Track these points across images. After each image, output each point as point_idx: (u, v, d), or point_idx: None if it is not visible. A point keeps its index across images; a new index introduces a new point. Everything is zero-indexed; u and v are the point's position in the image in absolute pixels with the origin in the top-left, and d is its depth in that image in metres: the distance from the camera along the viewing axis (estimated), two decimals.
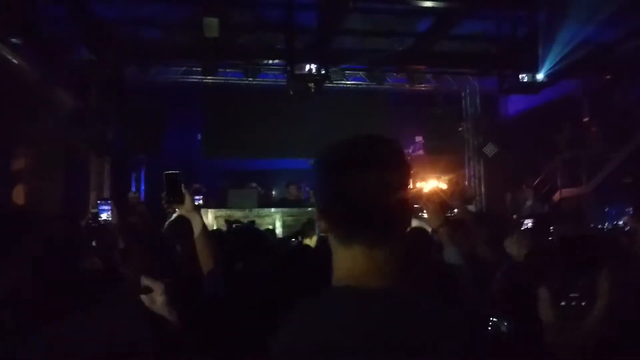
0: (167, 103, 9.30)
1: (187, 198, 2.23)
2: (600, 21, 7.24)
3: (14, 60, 5.67)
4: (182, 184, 2.24)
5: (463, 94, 10.54)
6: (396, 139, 0.97)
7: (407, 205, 0.93)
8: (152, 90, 8.98)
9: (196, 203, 2.33)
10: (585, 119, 9.63)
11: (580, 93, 9.57)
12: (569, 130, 9.36)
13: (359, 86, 9.65)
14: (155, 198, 7.82)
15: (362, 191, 0.89)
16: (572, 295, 0.83)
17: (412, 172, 0.94)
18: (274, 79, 8.99)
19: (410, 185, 0.95)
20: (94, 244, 4.19)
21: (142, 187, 10.17)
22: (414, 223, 4.73)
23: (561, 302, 0.82)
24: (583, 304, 0.81)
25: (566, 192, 9.26)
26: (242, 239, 2.94)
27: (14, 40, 5.60)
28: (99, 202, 6.85)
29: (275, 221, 7.80)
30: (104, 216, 6.40)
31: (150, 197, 9.05)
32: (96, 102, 8.43)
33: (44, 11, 6.16)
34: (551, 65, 7.38)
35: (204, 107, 10.11)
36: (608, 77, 8.82)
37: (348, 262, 0.92)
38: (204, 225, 2.27)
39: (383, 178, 0.90)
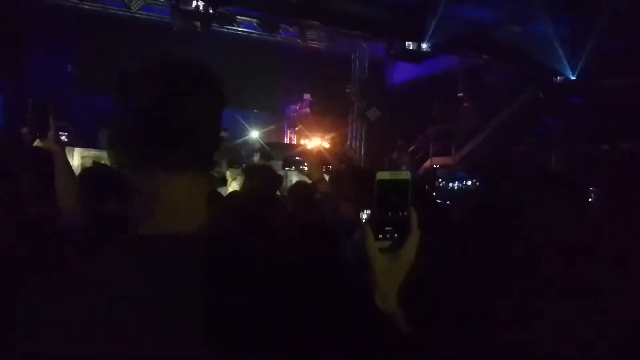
0: (37, 25, 8.25)
1: (52, 131, 2.02)
2: (484, 3, 7.69)
3: None
4: (51, 116, 2.03)
5: (353, 57, 10.69)
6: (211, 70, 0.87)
7: (216, 141, 0.85)
8: (19, 7, 7.88)
9: (61, 139, 2.13)
10: (460, 94, 10.31)
11: (458, 69, 10.19)
12: (444, 103, 9.98)
13: (251, 35, 9.34)
14: (15, 130, 7.04)
15: (165, 110, 0.79)
16: (387, 228, 0.82)
17: (222, 100, 0.85)
18: (159, 15, 8.35)
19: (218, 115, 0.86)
20: None
21: (0, 119, 9.06)
22: (296, 177, 4.77)
23: (379, 235, 0.82)
24: (396, 235, 0.82)
25: (437, 160, 9.93)
26: (100, 179, 2.72)
27: None
28: None
29: None
30: None
31: (10, 128, 8.09)
32: None
33: None
34: (436, 37, 7.72)
35: (78, 36, 9.13)
36: (484, 57, 9.45)
37: (148, 195, 0.80)
38: (67, 163, 2.09)
39: (196, 102, 0.80)
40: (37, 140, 2.25)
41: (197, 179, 0.83)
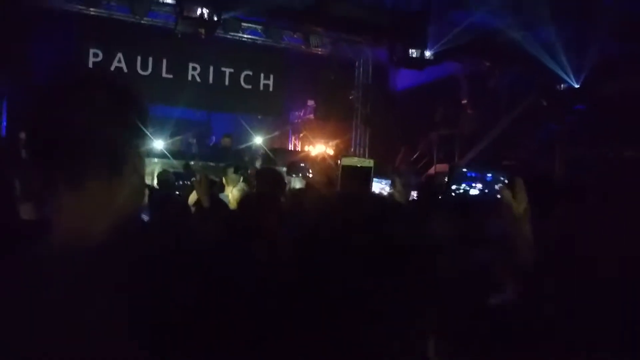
0: (43, 28, 8.29)
1: None
2: (486, 9, 7.71)
3: None
4: None
5: (357, 63, 10.72)
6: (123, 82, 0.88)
7: (120, 143, 0.84)
8: (25, 9, 7.94)
9: None
10: (463, 100, 10.32)
11: (461, 75, 10.21)
12: (447, 108, 9.99)
13: (255, 41, 9.38)
14: (17, 134, 7.06)
15: (65, 120, 0.79)
16: None
17: (121, 107, 0.84)
18: (164, 20, 8.40)
19: (136, 137, 0.85)
20: None
21: (4, 122, 9.11)
22: (298, 184, 4.80)
23: None
24: None
25: (440, 166, 9.92)
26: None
27: None
28: None
29: (154, 172, 7.46)
30: None
31: (13, 132, 8.13)
32: None
33: None
34: (438, 44, 7.74)
35: (83, 41, 9.19)
36: (487, 63, 9.46)
37: (56, 206, 0.81)
38: None
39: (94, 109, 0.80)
40: None
41: (101, 188, 0.81)
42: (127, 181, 0.84)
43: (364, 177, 0.90)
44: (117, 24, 8.53)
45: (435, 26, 7.55)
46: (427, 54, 7.77)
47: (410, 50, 7.65)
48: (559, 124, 9.69)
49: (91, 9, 8.23)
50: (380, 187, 4.95)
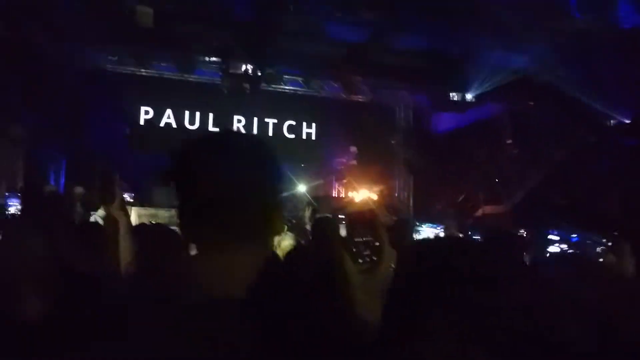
0: (96, 91, 8.82)
1: (118, 197, 2.19)
2: (526, 49, 7.67)
3: None
4: (116, 183, 2.20)
5: (397, 108, 10.79)
6: (263, 138, 0.93)
7: (271, 210, 0.85)
8: (80, 76, 8.48)
9: (126, 200, 2.29)
10: (508, 140, 10.14)
11: (504, 115, 10.08)
12: (492, 149, 9.83)
13: (297, 92, 9.64)
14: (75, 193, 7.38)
15: (215, 190, 0.80)
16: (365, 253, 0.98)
17: (280, 175, 0.87)
18: (209, 77, 8.78)
19: (280, 187, 0.88)
20: None
21: (62, 180, 9.57)
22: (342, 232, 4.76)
23: (358, 259, 1.00)
24: (374, 258, 0.99)
25: (488, 209, 9.68)
26: (154, 237, 2.81)
27: None
28: (7, 194, 6.35)
29: None
30: (11, 210, 5.94)
31: (71, 190, 8.51)
32: (15, 83, 7.84)
33: None
34: (479, 86, 7.72)
35: (135, 100, 9.69)
36: (530, 102, 9.32)
37: (197, 267, 0.84)
38: (130, 227, 2.22)
39: (240, 176, 0.81)
40: (103, 206, 2.38)
41: (244, 249, 0.82)
42: (271, 239, 0.89)
43: (373, 222, 1.01)
44: (165, 82, 8.98)
45: (475, 68, 7.55)
46: (468, 96, 7.74)
47: (450, 94, 7.65)
48: (611, 161, 9.34)
49: (142, 70, 8.69)
50: (433, 232, 4.86)
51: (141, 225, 3.28)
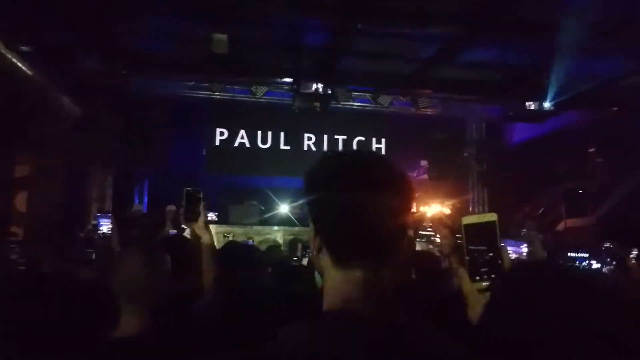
0: (174, 116, 9.33)
1: (202, 217, 2.25)
2: (608, 53, 7.26)
3: (23, 68, 5.69)
4: (201, 202, 2.26)
5: (468, 120, 10.54)
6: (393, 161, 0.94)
7: (406, 230, 0.90)
8: (159, 103, 9.01)
9: (209, 219, 2.37)
10: (591, 150, 9.60)
11: (585, 123, 9.56)
12: (572, 160, 9.32)
13: (365, 108, 9.67)
14: (158, 211, 7.81)
15: (364, 212, 0.84)
16: (482, 269, 0.90)
17: (414, 195, 0.91)
18: (280, 98, 9.02)
19: (412, 209, 0.91)
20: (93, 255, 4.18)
21: (145, 200, 10.14)
22: (419, 247, 4.69)
23: (475, 277, 0.91)
24: (493, 275, 0.89)
25: (571, 222, 9.17)
26: (236, 255, 2.89)
27: (23, 48, 5.64)
28: (98, 215, 6.81)
29: (277, 239, 7.76)
30: (103, 229, 6.35)
31: (153, 210, 9.01)
32: (102, 112, 8.46)
33: (53, 20, 6.21)
34: (558, 94, 7.37)
35: (210, 122, 10.13)
36: (615, 108, 8.79)
37: (343, 285, 0.86)
38: (213, 246, 2.28)
39: (387, 199, 0.85)
40: (187, 225, 2.49)
41: (385, 276, 0.86)
42: (398, 260, 0.89)
43: (490, 232, 0.88)
44: (238, 104, 9.32)
45: (553, 75, 7.22)
46: (546, 105, 7.41)
47: (527, 103, 7.36)
48: None
49: (216, 94, 9.07)
50: (515, 249, 4.68)
51: (230, 243, 3.40)
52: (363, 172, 0.87)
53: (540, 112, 7.47)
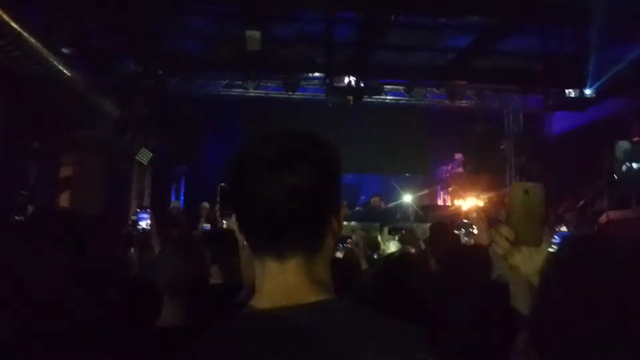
0: (209, 115, 9.48)
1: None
2: None
3: (64, 70, 5.88)
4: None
5: (505, 112, 10.31)
6: (323, 139, 0.85)
7: (325, 212, 0.81)
8: (194, 102, 9.17)
9: None
10: (635, 138, 9.22)
11: (629, 111, 9.19)
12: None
13: (399, 101, 9.58)
14: (194, 208, 7.96)
15: (268, 195, 0.77)
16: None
17: (330, 172, 0.81)
18: (313, 93, 9.04)
19: (330, 188, 0.81)
20: (132, 250, 4.29)
21: (182, 197, 10.35)
22: (465, 240, 4.59)
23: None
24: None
25: (614, 214, 8.84)
26: None
27: (64, 50, 5.82)
28: (138, 210, 6.96)
29: None
30: (142, 224, 6.48)
31: (190, 206, 9.19)
32: (140, 113, 8.67)
33: (93, 23, 6.40)
34: (600, 81, 7.12)
35: (244, 120, 10.23)
36: None
37: (259, 277, 0.81)
38: None
39: (296, 179, 0.77)
40: (224, 220, 2.53)
41: (302, 266, 0.80)
42: (329, 248, 0.84)
43: (538, 202, 0.88)
44: (272, 101, 9.38)
45: (594, 64, 6.98)
46: (588, 92, 7.16)
47: (567, 91, 7.13)
48: None
49: (250, 91, 9.17)
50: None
51: None
52: (261, 150, 0.80)
53: (581, 100, 7.24)
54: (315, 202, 0.78)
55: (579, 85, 7.21)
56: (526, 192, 0.93)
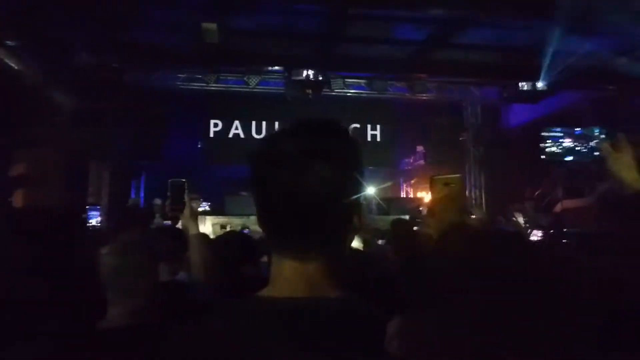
0: (169, 109, 9.30)
1: (187, 206, 2.23)
2: (603, 31, 7.20)
3: (12, 64, 5.66)
4: (186, 193, 2.26)
5: (464, 104, 10.49)
6: (346, 129, 0.82)
7: (349, 211, 0.78)
8: (153, 96, 8.98)
9: (199, 209, 2.35)
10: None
11: (582, 103, 9.50)
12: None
13: (360, 95, 9.62)
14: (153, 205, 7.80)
15: (290, 193, 0.74)
16: None
17: (350, 165, 0.78)
18: (274, 87, 8.98)
19: (360, 186, 0.79)
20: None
21: (142, 194, 10.15)
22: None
23: None
24: None
25: (567, 203, 9.14)
26: (230, 245, 2.88)
27: (10, 42, 5.59)
28: (87, 207, 6.77)
29: None
30: (92, 222, 6.33)
31: (150, 203, 9.01)
32: (97, 106, 8.42)
33: (44, 14, 6.16)
34: (552, 74, 7.33)
35: (205, 114, 10.10)
36: (611, 87, 8.74)
37: (276, 271, 0.79)
38: (200, 237, 2.26)
39: (320, 176, 0.74)
40: (174, 215, 2.48)
41: (321, 266, 0.78)
42: (347, 246, 0.82)
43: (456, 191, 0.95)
44: (232, 95, 9.28)
45: (546, 57, 7.17)
46: (540, 85, 7.37)
47: (520, 84, 7.32)
48: None
49: (211, 85, 9.04)
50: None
51: (228, 233, 3.39)
52: (284, 147, 0.76)
53: (534, 93, 7.44)
54: (338, 201, 0.76)
55: (532, 78, 7.41)
56: (446, 184, 0.98)
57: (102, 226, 5.53)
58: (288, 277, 0.78)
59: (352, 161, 0.78)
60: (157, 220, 6.60)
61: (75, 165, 8.48)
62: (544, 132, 7.94)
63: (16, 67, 5.74)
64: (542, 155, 7.68)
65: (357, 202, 0.79)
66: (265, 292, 0.79)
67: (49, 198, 7.69)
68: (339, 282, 0.79)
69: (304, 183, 0.73)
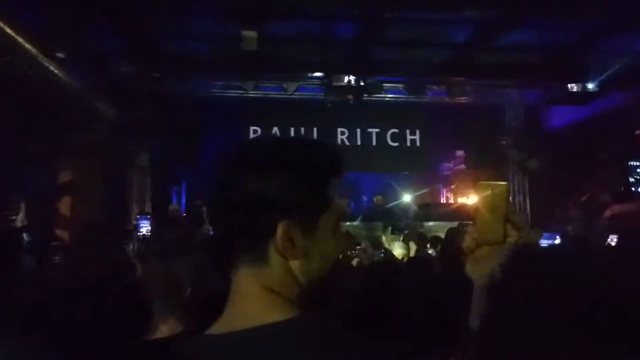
0: (207, 116, 9.40)
1: None
2: None
3: (59, 74, 5.82)
4: None
5: (505, 106, 10.23)
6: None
7: (273, 221, 0.74)
8: (192, 103, 9.09)
9: None
10: (638, 131, 9.15)
11: (632, 104, 9.11)
12: (618, 143, 8.92)
13: (398, 99, 9.50)
14: (195, 210, 7.88)
15: (224, 200, 0.75)
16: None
17: (312, 180, 0.77)
18: (312, 93, 8.97)
19: (302, 194, 0.75)
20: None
21: (183, 200, 10.27)
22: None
23: None
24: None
25: (617, 208, 8.77)
26: None
27: (59, 54, 5.75)
28: (138, 216, 6.90)
29: None
30: (143, 230, 6.44)
31: (191, 209, 9.12)
32: (137, 115, 8.59)
33: (87, 26, 6.32)
34: (603, 74, 7.04)
35: (244, 121, 10.17)
36: None
37: (228, 301, 0.78)
38: None
39: (254, 185, 0.73)
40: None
41: (253, 274, 0.76)
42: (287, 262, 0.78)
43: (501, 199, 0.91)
44: (271, 102, 9.33)
45: (596, 56, 6.89)
46: (590, 86, 7.08)
47: (569, 85, 7.05)
48: None
49: (250, 92, 9.11)
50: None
51: None
52: (234, 154, 0.79)
53: (584, 94, 7.16)
54: (267, 211, 0.73)
55: (581, 80, 7.13)
56: (490, 191, 0.93)
57: (152, 235, 5.60)
58: (230, 304, 0.77)
59: (304, 174, 0.76)
60: (207, 226, 6.64)
61: (118, 174, 8.67)
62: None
63: (62, 78, 5.89)
64: None
65: (304, 217, 0.75)
66: (213, 327, 0.77)
67: (94, 205, 7.88)
68: (279, 299, 0.74)
69: (237, 192, 0.74)
